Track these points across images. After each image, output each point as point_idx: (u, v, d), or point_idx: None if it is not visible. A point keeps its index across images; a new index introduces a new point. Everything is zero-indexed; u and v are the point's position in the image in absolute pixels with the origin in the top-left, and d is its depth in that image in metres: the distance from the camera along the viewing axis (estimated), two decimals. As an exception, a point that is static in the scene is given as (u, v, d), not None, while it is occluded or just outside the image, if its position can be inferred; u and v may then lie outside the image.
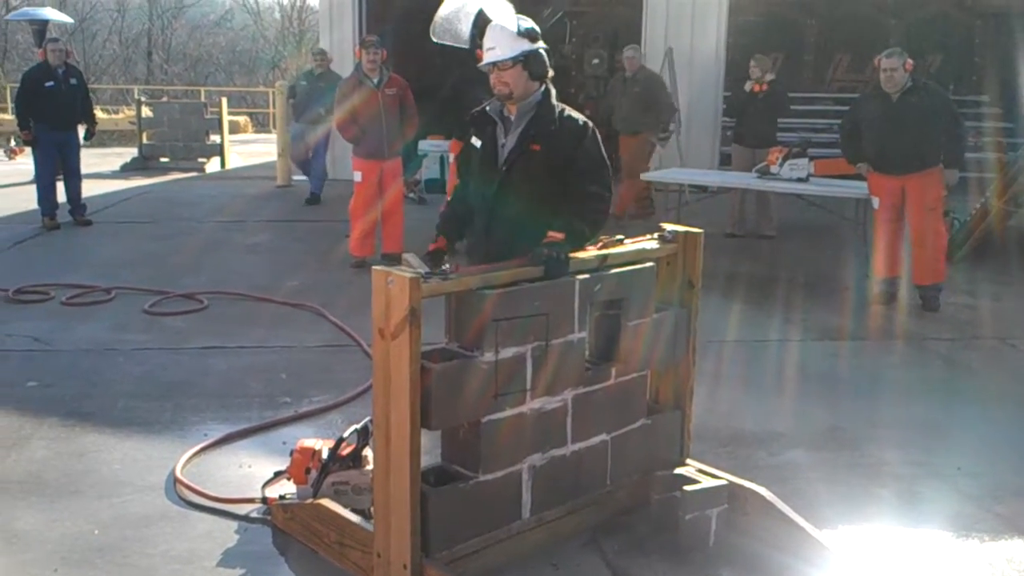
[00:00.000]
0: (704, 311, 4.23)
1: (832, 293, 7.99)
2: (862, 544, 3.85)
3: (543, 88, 3.91)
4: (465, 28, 3.81)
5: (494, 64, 3.81)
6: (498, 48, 3.79)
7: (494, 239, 3.96)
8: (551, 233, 3.63)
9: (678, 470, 3.99)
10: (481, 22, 3.78)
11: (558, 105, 3.93)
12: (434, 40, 3.90)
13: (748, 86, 10.09)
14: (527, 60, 3.79)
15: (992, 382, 5.96)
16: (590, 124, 3.92)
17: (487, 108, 4.00)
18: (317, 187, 12.20)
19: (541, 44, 3.86)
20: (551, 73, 3.93)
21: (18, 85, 10.72)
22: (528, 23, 3.83)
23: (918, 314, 7.33)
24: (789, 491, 4.13)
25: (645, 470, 3.97)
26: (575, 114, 3.95)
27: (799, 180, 8.86)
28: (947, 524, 4.04)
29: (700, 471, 4.00)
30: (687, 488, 3.77)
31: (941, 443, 4.90)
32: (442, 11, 3.82)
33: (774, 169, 8.97)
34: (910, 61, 7.16)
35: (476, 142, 4.02)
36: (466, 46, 3.84)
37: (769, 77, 10.05)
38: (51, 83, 10.09)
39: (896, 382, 5.93)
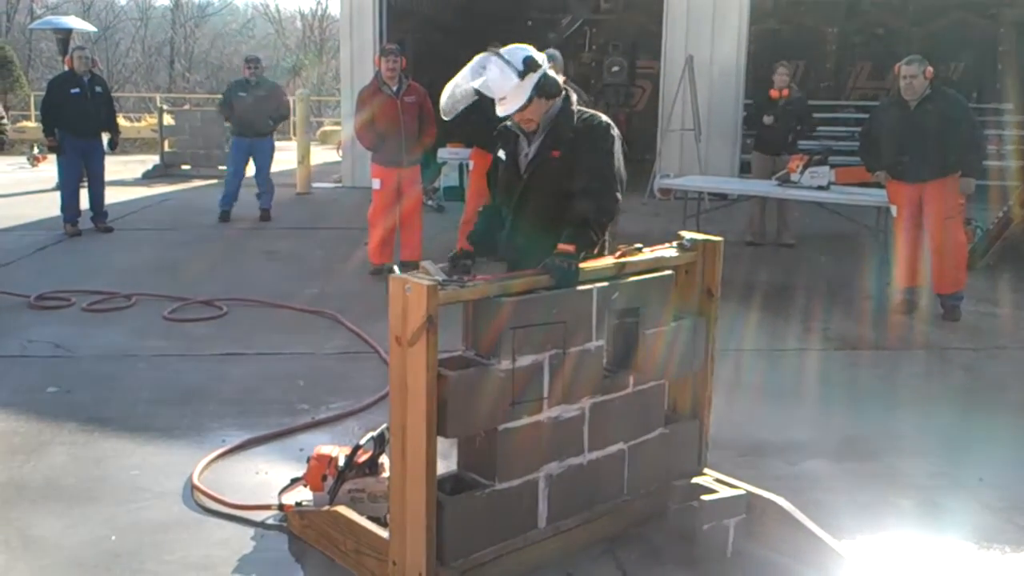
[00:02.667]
0: (723, 319, 4.21)
1: (852, 302, 7.94)
2: (882, 555, 3.81)
3: (563, 95, 3.92)
4: (470, 99, 3.84)
5: (511, 115, 3.84)
6: (509, 98, 3.78)
7: (516, 247, 4.00)
8: (561, 245, 3.63)
9: (696, 479, 3.96)
10: (486, 81, 3.77)
11: (578, 111, 3.94)
12: (445, 118, 3.95)
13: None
14: (540, 91, 3.79)
15: (1015, 392, 5.89)
16: (611, 125, 3.93)
17: (509, 124, 4.02)
18: (268, 202, 11.60)
19: (544, 65, 3.81)
20: (562, 79, 3.93)
21: (43, 93, 10.78)
22: (521, 55, 3.77)
23: (939, 323, 7.27)
24: (808, 501, 4.10)
25: (662, 479, 3.95)
26: (597, 116, 3.95)
27: (819, 188, 8.81)
28: (968, 536, 3.99)
29: (718, 480, 3.97)
30: (705, 498, 3.75)
31: (963, 454, 4.84)
32: (445, 98, 3.84)
33: (794, 177, 8.92)
34: (930, 68, 7.11)
35: (501, 154, 4.06)
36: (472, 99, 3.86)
37: (793, 87, 10.01)
38: (76, 90, 10.17)
39: (917, 392, 5.88)
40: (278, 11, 47.01)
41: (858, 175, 8.92)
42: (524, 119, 3.86)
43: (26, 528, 3.95)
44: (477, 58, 3.83)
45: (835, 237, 10.57)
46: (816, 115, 12.28)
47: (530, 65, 3.75)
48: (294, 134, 17.58)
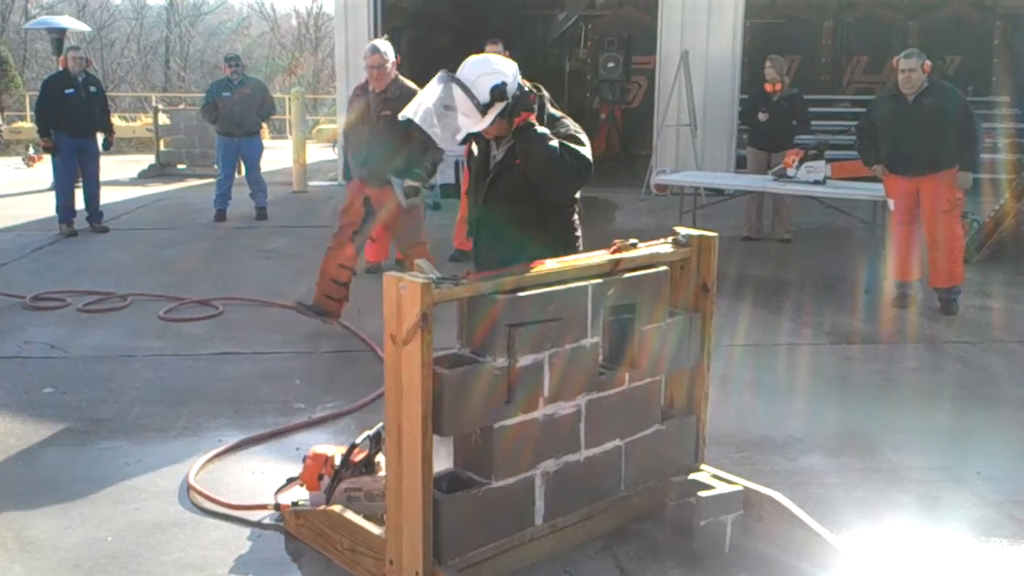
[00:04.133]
0: (719, 314, 4.21)
1: (849, 296, 7.94)
2: (880, 550, 3.81)
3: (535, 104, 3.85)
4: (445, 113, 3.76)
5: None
6: (474, 123, 3.67)
7: (482, 247, 4.08)
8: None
9: (693, 475, 3.96)
10: (450, 111, 3.69)
11: (550, 113, 3.91)
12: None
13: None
14: (505, 115, 3.70)
15: (1011, 385, 5.89)
16: (573, 126, 3.88)
17: None
18: (263, 201, 11.56)
19: (513, 88, 3.66)
20: (534, 96, 3.80)
21: (38, 93, 10.76)
22: (489, 86, 3.60)
23: (936, 317, 7.27)
24: (805, 496, 4.10)
25: (660, 475, 3.94)
26: (561, 119, 3.91)
27: (816, 183, 8.80)
28: (966, 529, 3.99)
29: (715, 476, 3.97)
30: (702, 494, 3.74)
31: (960, 448, 4.85)
32: (412, 113, 3.73)
33: (791, 172, 8.91)
34: (928, 63, 7.11)
35: (475, 149, 4.09)
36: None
37: (786, 80, 9.99)
38: (71, 91, 10.15)
39: (914, 386, 5.88)
40: (273, 9, 46.98)
41: (854, 169, 8.92)
42: (488, 134, 3.86)
43: (22, 529, 3.94)
44: (441, 88, 3.65)
45: (831, 231, 10.57)
46: (812, 109, 12.26)
47: (497, 95, 3.62)
48: (289, 132, 17.55)
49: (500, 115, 3.69)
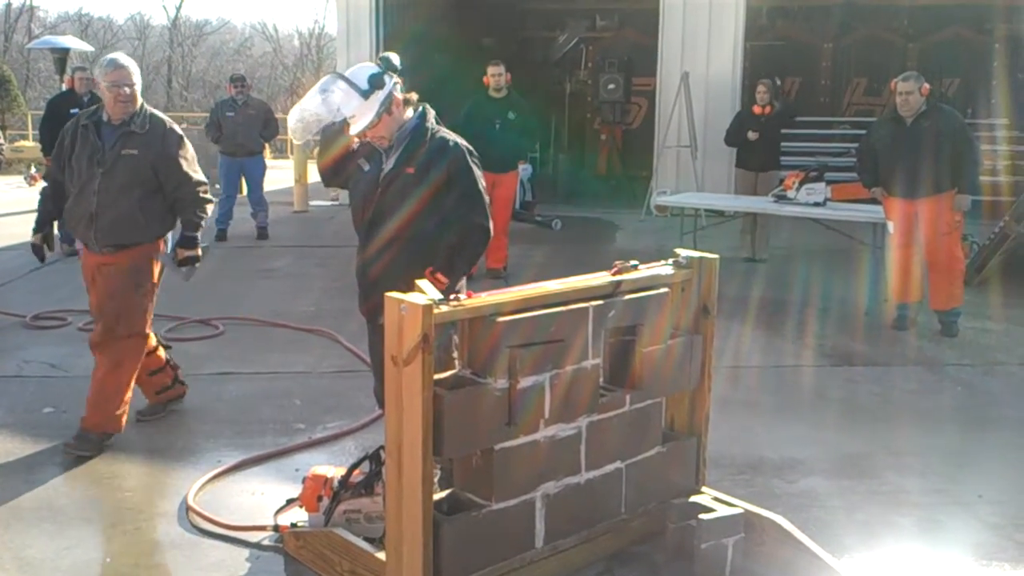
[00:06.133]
0: (719, 336, 4.21)
1: (849, 318, 7.93)
2: (881, 573, 3.79)
3: (419, 111, 4.05)
4: (323, 121, 3.91)
5: (364, 130, 3.92)
6: (357, 117, 3.89)
7: (368, 261, 4.09)
8: (438, 275, 3.76)
9: (694, 498, 3.94)
10: (331, 104, 3.84)
11: (432, 127, 4.04)
12: (298, 140, 4.02)
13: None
14: (388, 106, 3.91)
15: (1013, 408, 5.88)
16: (461, 145, 4.03)
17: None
18: (265, 220, 11.62)
19: (390, 83, 3.92)
20: (415, 96, 4.05)
21: (41, 112, 10.79)
22: (366, 74, 3.88)
23: (936, 339, 7.26)
24: (806, 519, 4.09)
25: (660, 498, 3.92)
26: (448, 135, 4.06)
27: (816, 204, 8.81)
28: (968, 553, 3.97)
29: (716, 499, 3.95)
30: (703, 516, 3.73)
31: (962, 471, 4.83)
32: (294, 122, 3.89)
33: (790, 194, 8.93)
34: (926, 85, 7.14)
35: (365, 166, 4.12)
36: (339, 122, 3.93)
37: (776, 104, 10.05)
38: (76, 110, 10.17)
39: (914, 408, 5.87)
40: (275, 30, 47.06)
41: (854, 191, 8.92)
42: (376, 136, 3.97)
43: (20, 549, 3.92)
44: (321, 81, 3.94)
45: (831, 253, 10.57)
46: (812, 131, 12.28)
47: (375, 83, 3.85)
48: (290, 152, 17.60)
49: (383, 107, 3.87)
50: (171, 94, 40.22)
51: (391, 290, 3.19)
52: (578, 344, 3.51)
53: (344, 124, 3.93)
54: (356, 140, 4.04)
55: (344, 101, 3.85)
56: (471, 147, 4.08)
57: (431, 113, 4.09)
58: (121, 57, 5.08)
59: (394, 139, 4.01)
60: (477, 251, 4.09)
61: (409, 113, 4.04)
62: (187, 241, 5.14)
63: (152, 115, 5.06)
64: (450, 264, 3.92)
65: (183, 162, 5.05)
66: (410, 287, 3.18)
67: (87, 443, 4.88)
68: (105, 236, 4.90)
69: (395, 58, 3.98)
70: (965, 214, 7.33)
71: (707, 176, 12.77)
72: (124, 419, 5.02)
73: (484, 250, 4.18)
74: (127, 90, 4.88)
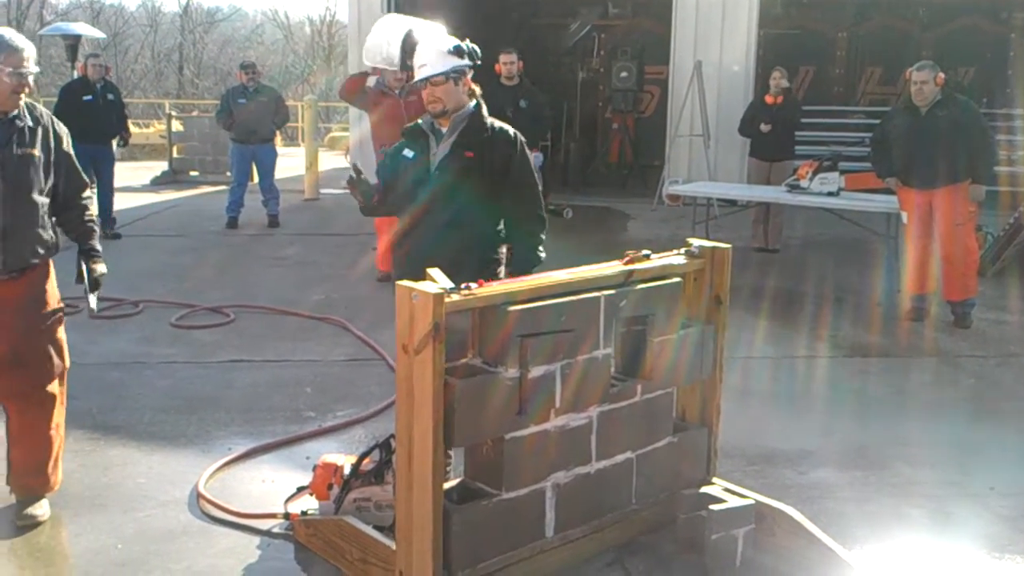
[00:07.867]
0: (731, 326, 4.19)
1: (862, 309, 7.90)
2: (892, 565, 3.78)
3: (475, 103, 4.07)
4: (395, 51, 3.99)
5: (427, 80, 3.96)
6: (429, 65, 3.96)
7: (422, 245, 4.05)
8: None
9: (704, 489, 3.93)
10: (408, 45, 3.91)
11: (489, 119, 4.09)
12: (367, 63, 4.08)
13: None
14: (459, 75, 3.98)
15: (1026, 400, 5.85)
16: (520, 136, 4.09)
17: (420, 122, 4.16)
18: (275, 208, 11.60)
19: (469, 62, 4.02)
20: (479, 90, 4.11)
21: (56, 99, 10.81)
22: (456, 42, 4.00)
23: (950, 331, 7.22)
24: (818, 511, 4.07)
25: (671, 488, 3.92)
26: (506, 127, 4.11)
27: (830, 194, 8.77)
28: (980, 545, 3.95)
29: (727, 490, 3.94)
30: (713, 507, 3.71)
31: (974, 462, 4.81)
32: (370, 38, 3.98)
33: (804, 183, 8.88)
34: (941, 75, 7.08)
35: (408, 153, 4.13)
36: (397, 67, 3.99)
37: (785, 85, 9.99)
38: (89, 97, 10.22)
39: (928, 400, 5.84)
40: (287, 17, 47.07)
41: (868, 181, 8.87)
42: (433, 97, 3.98)
43: (32, 536, 3.94)
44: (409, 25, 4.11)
45: (845, 243, 10.52)
46: (826, 120, 12.17)
47: (461, 51, 3.97)
48: (302, 140, 17.59)
49: (456, 75, 3.96)
50: (182, 81, 40.25)
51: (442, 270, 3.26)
52: (590, 334, 3.50)
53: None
54: (371, 77, 4.08)
55: (424, 48, 3.97)
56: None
57: (485, 107, 4.12)
58: (14, 35, 3.92)
59: (450, 120, 4.02)
60: (539, 240, 4.12)
61: (468, 100, 4.07)
62: (96, 255, 4.36)
63: (32, 105, 4.05)
64: (524, 259, 4.04)
65: (76, 162, 4.27)
66: (461, 268, 3.20)
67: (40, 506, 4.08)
68: (15, 258, 3.91)
69: (478, 50, 4.08)
70: (979, 205, 7.28)
71: (720, 165, 12.71)
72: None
73: (544, 239, 4.16)
74: (31, 78, 3.91)
